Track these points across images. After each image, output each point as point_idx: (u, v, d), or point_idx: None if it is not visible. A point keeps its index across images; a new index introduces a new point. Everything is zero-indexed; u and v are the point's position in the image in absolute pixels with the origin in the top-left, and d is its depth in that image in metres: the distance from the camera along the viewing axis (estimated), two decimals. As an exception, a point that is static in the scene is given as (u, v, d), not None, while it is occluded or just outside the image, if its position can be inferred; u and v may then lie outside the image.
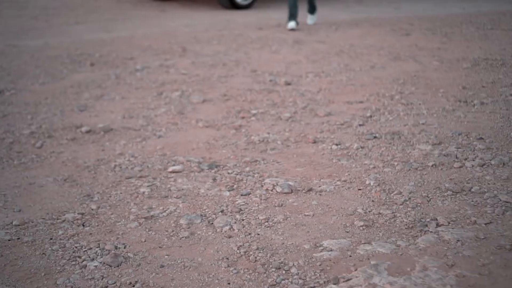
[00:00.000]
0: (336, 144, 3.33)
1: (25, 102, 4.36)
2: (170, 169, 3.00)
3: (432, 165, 2.98)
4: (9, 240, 2.31)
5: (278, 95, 4.44)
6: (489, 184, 2.73)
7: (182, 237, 2.30)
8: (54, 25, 8.07)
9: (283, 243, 2.22)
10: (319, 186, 2.76)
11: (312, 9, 7.84)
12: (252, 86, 4.74)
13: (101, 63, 5.71)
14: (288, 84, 4.77)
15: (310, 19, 7.93)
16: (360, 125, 3.68)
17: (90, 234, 2.36)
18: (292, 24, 7.41)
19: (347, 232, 2.30)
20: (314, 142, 3.39)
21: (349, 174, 2.90)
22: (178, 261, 2.12)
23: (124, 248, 2.23)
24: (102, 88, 4.78)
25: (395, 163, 3.02)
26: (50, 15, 8.82)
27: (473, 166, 2.96)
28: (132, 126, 3.76)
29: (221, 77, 5.06)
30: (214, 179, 2.87)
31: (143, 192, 2.75)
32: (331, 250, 2.14)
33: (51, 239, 2.32)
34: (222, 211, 2.52)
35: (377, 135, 3.46)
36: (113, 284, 1.97)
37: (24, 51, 6.25)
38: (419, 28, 7.58)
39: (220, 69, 5.40)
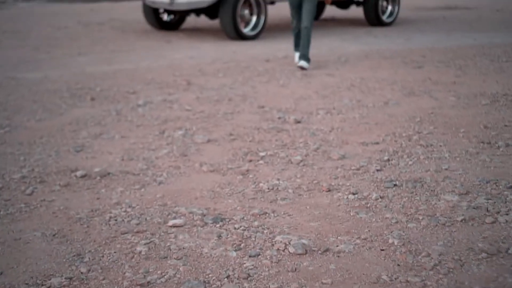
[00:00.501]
0: (353, 193, 3.04)
1: (19, 142, 4.10)
2: (171, 223, 2.71)
3: (461, 220, 2.68)
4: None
5: (288, 134, 4.17)
6: (527, 243, 2.43)
7: (182, 310, 2.01)
8: (55, 56, 7.86)
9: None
10: (337, 246, 2.47)
11: (304, 57, 6.77)
12: (259, 124, 4.47)
13: (102, 97, 5.46)
14: (298, 122, 4.50)
15: (300, 63, 6.78)
16: (377, 170, 3.39)
17: (78, 305, 2.07)
18: (298, 54, 7.03)
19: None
20: (329, 190, 3.10)
21: (369, 231, 2.61)
22: None
23: (115, 324, 1.93)
24: (101, 125, 4.52)
25: (420, 217, 2.73)
26: (52, 46, 8.63)
27: (507, 221, 2.66)
28: (131, 170, 3.48)
29: (227, 114, 4.80)
30: (219, 236, 2.58)
31: (140, 252, 2.46)
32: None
33: (32, 311, 2.03)
34: (228, 277, 2.23)
35: (397, 182, 3.17)
36: None
37: (22, 84, 6.02)
38: (431, 61, 7.33)
39: (226, 104, 5.14)
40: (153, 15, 9.99)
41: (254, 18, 9.40)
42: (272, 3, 10.05)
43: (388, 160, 3.56)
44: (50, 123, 4.61)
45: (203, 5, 9.05)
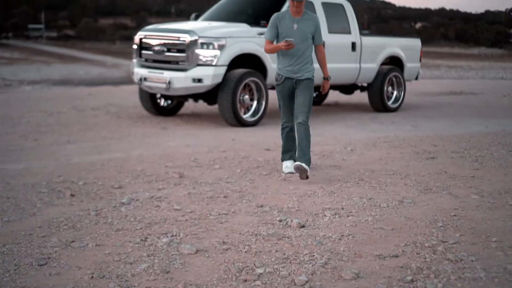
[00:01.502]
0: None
1: (-23, 250, 3.52)
2: None
3: None
4: None
5: (290, 243, 3.58)
6: None
7: None
8: (43, 145, 7.38)
9: None
10: None
11: (304, 157, 5.33)
12: (258, 228, 3.89)
13: (83, 193, 4.91)
14: (301, 226, 3.91)
15: (297, 167, 5.29)
16: (400, 295, 2.78)
17: None
18: (287, 165, 5.66)
19: None
20: (341, 325, 2.49)
21: None
22: None
23: None
24: (76, 229, 3.94)
25: None
26: (42, 133, 8.17)
27: None
28: (101, 292, 2.87)
29: (221, 215, 4.23)
30: None
31: None
32: None
33: None
34: None
35: (426, 314, 2.56)
36: None
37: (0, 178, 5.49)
38: (444, 151, 6.82)
39: (221, 202, 4.58)
40: (149, 100, 9.61)
41: (254, 104, 9.00)
42: (273, 88, 9.67)
43: (412, 280, 2.95)
44: (19, 225, 4.04)
45: (201, 90, 8.66)
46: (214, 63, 8.49)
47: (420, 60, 11.65)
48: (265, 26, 9.04)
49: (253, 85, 8.88)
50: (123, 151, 6.86)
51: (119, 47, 59.79)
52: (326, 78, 5.64)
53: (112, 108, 10.83)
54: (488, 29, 79.34)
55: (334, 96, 13.45)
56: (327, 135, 8.04)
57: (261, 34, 8.93)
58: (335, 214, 4.19)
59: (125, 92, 14.37)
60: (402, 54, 11.14)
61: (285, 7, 9.23)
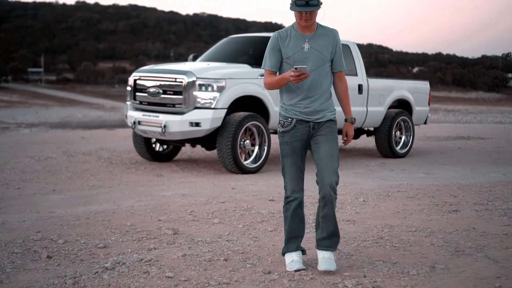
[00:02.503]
0: None
1: None
2: None
3: None
4: None
5: (307, 325, 2.92)
6: None
7: None
8: (25, 194, 6.74)
9: None
10: None
11: (331, 238, 3.85)
12: (266, 303, 3.22)
13: (62, 255, 4.25)
14: (318, 300, 3.25)
15: (324, 263, 3.79)
16: None
17: None
18: (294, 259, 3.90)
19: None
20: None
21: None
22: None
23: None
24: (47, 303, 3.27)
25: None
26: (26, 181, 7.54)
27: None
28: None
29: (221, 285, 3.57)
30: None
31: None
32: None
33: None
34: None
35: None
36: None
37: (-32, 234, 4.83)
38: (466, 202, 6.19)
39: (221, 267, 3.92)
40: (144, 145, 9.02)
41: (256, 149, 8.40)
42: (276, 132, 9.09)
43: None
44: (-20, 297, 3.38)
45: (199, 135, 8.07)
46: (213, 106, 7.93)
47: (429, 104, 11.13)
48: (267, 67, 8.53)
49: (254, 129, 8.31)
50: (112, 202, 6.22)
51: (118, 90, 59.70)
52: (350, 121, 4.00)
53: (105, 153, 10.22)
54: (485, 73, 79.54)
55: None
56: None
57: (262, 75, 8.41)
58: (358, 284, 3.53)
59: (119, 136, 13.79)
60: (410, 97, 10.61)
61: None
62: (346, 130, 4.02)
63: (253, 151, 8.39)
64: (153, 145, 9.18)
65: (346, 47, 9.72)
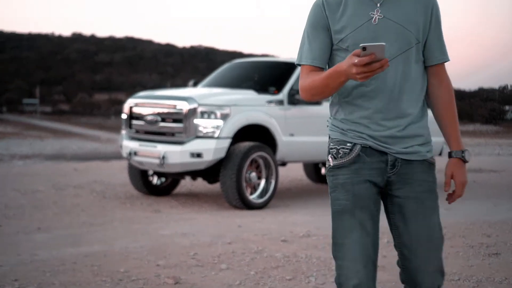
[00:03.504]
0: None
1: None
2: None
3: None
4: None
5: None
6: None
7: None
8: (6, 233, 6.01)
9: None
10: None
11: None
12: None
13: (41, 311, 3.52)
14: None
15: None
16: None
17: None
18: None
19: None
20: None
21: None
22: None
23: None
24: None
25: None
26: (9, 218, 6.80)
27: None
28: None
29: None
30: None
31: None
32: None
33: None
34: None
35: None
36: None
37: None
38: (503, 243, 5.49)
39: (235, 329, 3.20)
40: (140, 178, 8.31)
41: (262, 183, 7.70)
42: (284, 164, 8.42)
43: None
44: None
45: (201, 167, 7.38)
46: (216, 135, 7.26)
47: (444, 134, 10.46)
48: (274, 93, 7.90)
49: (260, 161, 7.63)
50: (104, 242, 5.49)
51: (114, 122, 59.09)
52: (460, 156, 2.33)
53: (98, 186, 9.50)
54: (482, 106, 79.66)
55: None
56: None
57: (270, 102, 7.77)
58: None
59: (114, 168, 13.07)
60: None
61: (294, 76, 8.12)
62: (454, 174, 2.31)
63: (259, 184, 7.69)
64: (150, 178, 8.48)
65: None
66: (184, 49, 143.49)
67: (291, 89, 7.98)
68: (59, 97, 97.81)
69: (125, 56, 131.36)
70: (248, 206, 7.44)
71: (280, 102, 7.87)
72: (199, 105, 7.28)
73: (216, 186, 9.51)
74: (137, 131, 7.81)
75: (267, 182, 7.74)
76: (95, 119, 67.87)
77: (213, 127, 7.26)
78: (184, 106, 7.30)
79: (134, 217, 6.93)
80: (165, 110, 7.51)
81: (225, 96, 7.58)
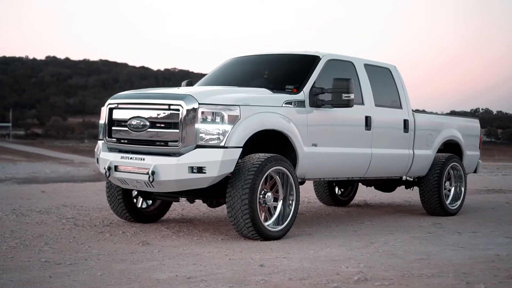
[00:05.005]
0: None
1: None
2: None
3: None
4: None
5: None
6: None
7: None
8: None
9: None
10: None
11: None
12: None
13: None
14: None
15: None
16: None
17: None
18: None
19: None
20: None
21: None
22: None
23: None
24: None
25: None
26: None
27: None
28: None
29: None
30: None
31: None
32: None
33: None
34: None
35: None
36: None
37: None
38: None
39: None
40: (122, 200, 6.57)
41: (279, 205, 6.01)
42: (302, 182, 6.74)
43: None
44: None
45: (203, 185, 5.68)
46: (222, 144, 5.58)
47: (480, 147, 8.93)
48: (293, 91, 6.27)
49: (277, 178, 5.95)
50: (73, 293, 3.74)
51: (88, 145, 57.37)
52: None
53: (68, 211, 7.71)
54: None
55: (363, 193, 10.60)
56: (399, 254, 5.05)
57: (289, 103, 6.13)
58: None
59: (89, 189, 11.26)
60: (461, 138, 8.41)
61: (316, 72, 6.51)
62: None
63: (275, 208, 6.00)
64: (135, 200, 6.74)
65: (387, 71, 7.55)
66: (158, 71, 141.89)
67: (313, 87, 6.36)
68: (32, 120, 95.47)
69: (99, 79, 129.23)
70: (264, 236, 5.74)
71: (301, 103, 6.23)
72: (200, 104, 5.59)
73: (215, 211, 7.81)
74: (119, 140, 6.07)
75: (285, 205, 6.06)
76: (69, 143, 66.01)
77: (219, 133, 5.58)
78: (181, 106, 5.61)
79: (116, 252, 5.18)
80: (156, 113, 5.80)
81: (232, 94, 5.90)
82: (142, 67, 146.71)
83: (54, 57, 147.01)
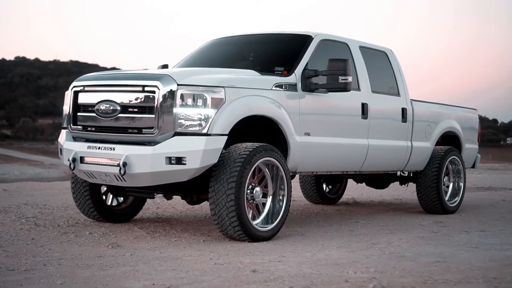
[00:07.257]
0: None
1: None
2: None
3: None
4: None
5: None
6: None
7: None
8: None
9: None
10: None
11: None
12: None
13: None
14: None
15: None
16: None
17: None
18: None
19: None
20: None
21: None
22: None
23: None
24: None
25: None
26: None
27: None
28: None
29: None
30: None
31: None
32: None
33: None
34: None
35: None
36: None
37: None
38: None
39: None
40: (89, 196, 5.79)
41: (268, 201, 5.30)
42: (293, 176, 6.03)
43: None
44: None
45: (182, 179, 4.94)
46: (205, 131, 4.84)
47: (478, 140, 8.34)
48: (283, 74, 5.58)
49: (266, 170, 5.24)
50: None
51: (58, 147, 56.25)
52: None
53: (29, 210, 6.89)
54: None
55: (353, 190, 9.96)
56: (409, 256, 4.39)
57: (279, 85, 5.42)
58: None
59: (54, 188, 10.40)
60: (460, 130, 7.80)
61: (309, 52, 5.82)
62: None
63: (264, 204, 5.29)
64: (104, 197, 5.96)
65: (383, 55, 6.90)
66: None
67: (306, 69, 5.66)
68: (1, 121, 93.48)
69: (70, 80, 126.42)
70: (252, 236, 5.03)
71: (292, 87, 5.53)
72: (179, 85, 4.85)
73: (194, 209, 7.08)
74: (85, 128, 5.29)
75: (275, 201, 5.35)
76: (38, 144, 64.65)
77: (200, 119, 4.84)
78: (157, 88, 4.86)
79: (81, 256, 4.41)
80: (128, 95, 5.04)
81: (216, 75, 5.17)
82: (114, 68, 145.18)
83: (24, 58, 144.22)
